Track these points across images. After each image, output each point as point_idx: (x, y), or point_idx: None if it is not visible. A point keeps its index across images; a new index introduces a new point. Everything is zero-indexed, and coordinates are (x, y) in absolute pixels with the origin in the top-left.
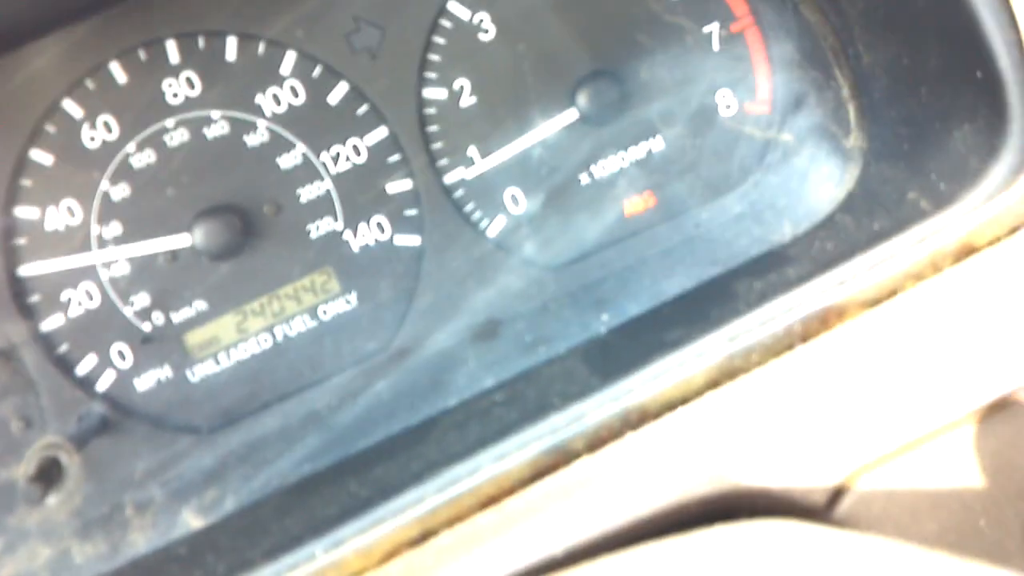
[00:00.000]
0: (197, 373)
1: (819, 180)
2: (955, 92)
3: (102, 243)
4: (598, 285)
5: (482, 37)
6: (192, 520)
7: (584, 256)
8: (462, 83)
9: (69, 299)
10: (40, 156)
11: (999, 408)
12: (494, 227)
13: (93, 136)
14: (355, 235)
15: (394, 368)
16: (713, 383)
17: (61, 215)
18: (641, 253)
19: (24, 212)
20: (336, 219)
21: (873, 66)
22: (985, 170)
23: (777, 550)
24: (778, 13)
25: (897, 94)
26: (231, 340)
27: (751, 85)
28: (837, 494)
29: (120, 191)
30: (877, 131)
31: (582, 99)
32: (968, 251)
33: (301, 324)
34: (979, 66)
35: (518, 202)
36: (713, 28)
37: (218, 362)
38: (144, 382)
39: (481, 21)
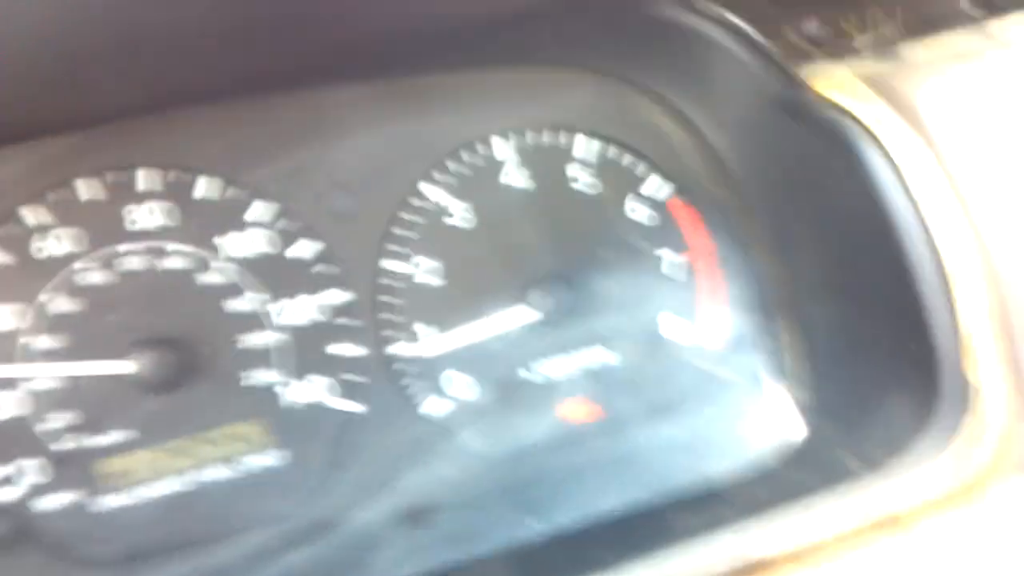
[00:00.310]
0: (105, 504)
1: (754, 422)
2: (892, 361)
3: (29, 355)
4: (531, 486)
5: (448, 221)
6: None
7: (519, 453)
8: (421, 261)
9: None
10: None
11: None
12: (432, 407)
13: (42, 247)
14: (290, 391)
15: (313, 538)
16: None
17: None
18: (577, 462)
19: None
20: (274, 372)
21: (817, 320)
22: (914, 441)
23: None
24: (730, 251)
25: (836, 352)
26: (146, 476)
27: (695, 315)
28: None
29: (59, 306)
30: (815, 384)
31: (534, 298)
32: (894, 521)
33: (220, 472)
34: (916, 340)
35: (458, 387)
36: (663, 253)
37: (129, 497)
38: (48, 502)
39: (449, 206)
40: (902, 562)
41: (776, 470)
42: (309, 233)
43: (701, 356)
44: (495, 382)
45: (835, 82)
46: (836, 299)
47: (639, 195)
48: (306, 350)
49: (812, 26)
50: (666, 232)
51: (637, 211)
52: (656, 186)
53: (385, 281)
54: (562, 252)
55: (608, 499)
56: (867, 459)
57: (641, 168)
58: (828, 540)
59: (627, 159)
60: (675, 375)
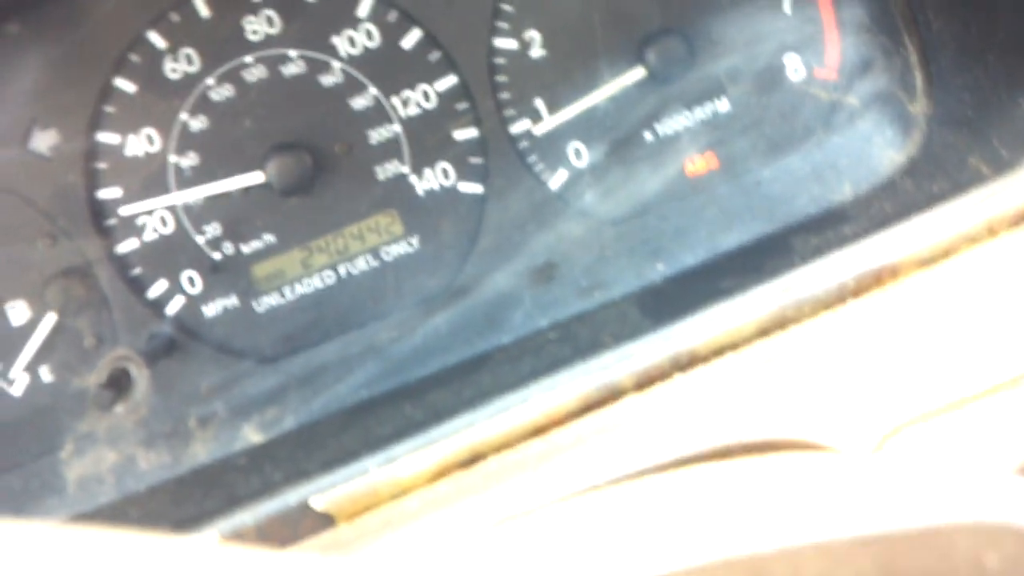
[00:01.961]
0: (262, 303)
1: (882, 144)
2: (1017, 61)
3: (178, 172)
4: (655, 237)
5: None
6: (252, 435)
7: (643, 210)
8: (532, 35)
9: (144, 224)
10: (124, 84)
11: None
12: (556, 179)
13: (175, 68)
14: (420, 179)
15: (453, 305)
16: (764, 331)
17: (141, 142)
18: (700, 210)
19: (106, 137)
20: (403, 162)
21: (942, 33)
22: None
23: (821, 478)
24: None
25: (964, 62)
26: (296, 274)
27: (820, 49)
28: (879, 449)
29: (198, 123)
30: (942, 97)
31: (651, 56)
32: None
33: (364, 263)
34: None
35: (581, 156)
36: None
37: (283, 294)
38: (211, 308)
39: None
40: None
41: (902, 185)
42: (419, 21)
43: (825, 87)
44: (617, 146)
45: None
46: (960, 7)
47: None
48: (432, 137)
49: None
50: None
51: None
52: None
53: (499, 60)
54: (674, 4)
55: (732, 236)
56: (998, 162)
57: None
58: (956, 240)
59: None
60: (798, 110)
